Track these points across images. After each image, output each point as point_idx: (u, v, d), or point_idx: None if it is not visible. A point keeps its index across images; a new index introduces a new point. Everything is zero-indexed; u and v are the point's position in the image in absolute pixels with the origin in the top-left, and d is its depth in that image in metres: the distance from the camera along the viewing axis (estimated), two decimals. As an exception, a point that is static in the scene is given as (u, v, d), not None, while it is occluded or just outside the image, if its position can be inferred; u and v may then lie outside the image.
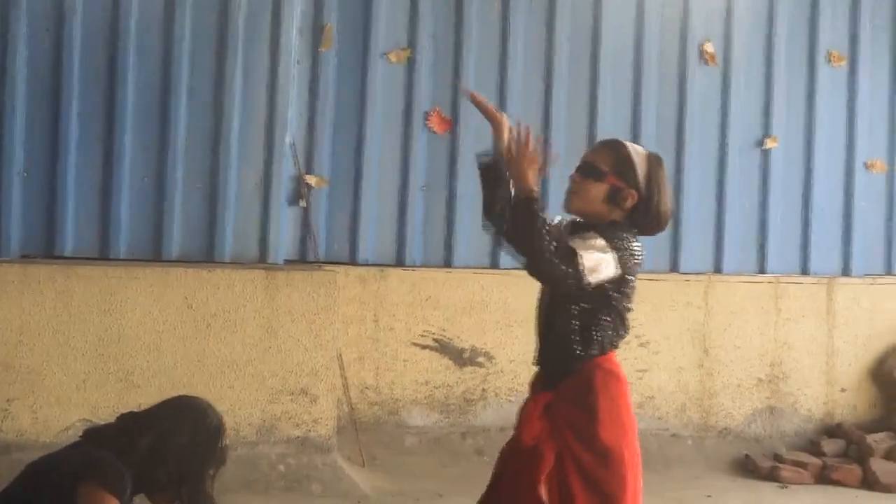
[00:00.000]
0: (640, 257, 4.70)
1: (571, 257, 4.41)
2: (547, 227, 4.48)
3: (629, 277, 4.67)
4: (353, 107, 9.05)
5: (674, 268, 9.51)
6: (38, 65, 8.43)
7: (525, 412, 4.65)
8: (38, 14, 8.45)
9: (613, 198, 4.52)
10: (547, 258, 4.36)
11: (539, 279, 4.56)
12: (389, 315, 8.91)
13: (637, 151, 4.80)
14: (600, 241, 4.53)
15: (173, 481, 4.39)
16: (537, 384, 4.57)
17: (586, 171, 4.72)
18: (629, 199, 4.54)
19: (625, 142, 4.89)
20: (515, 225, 4.58)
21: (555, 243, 4.40)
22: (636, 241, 4.70)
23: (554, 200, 8.19)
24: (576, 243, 4.43)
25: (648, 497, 8.87)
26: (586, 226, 4.59)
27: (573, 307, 4.60)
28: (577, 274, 4.39)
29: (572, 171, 5.12)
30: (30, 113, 8.39)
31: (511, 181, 4.72)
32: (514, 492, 4.64)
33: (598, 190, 4.54)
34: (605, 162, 4.72)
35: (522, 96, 9.49)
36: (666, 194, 4.85)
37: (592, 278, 4.44)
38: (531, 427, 4.48)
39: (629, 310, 4.53)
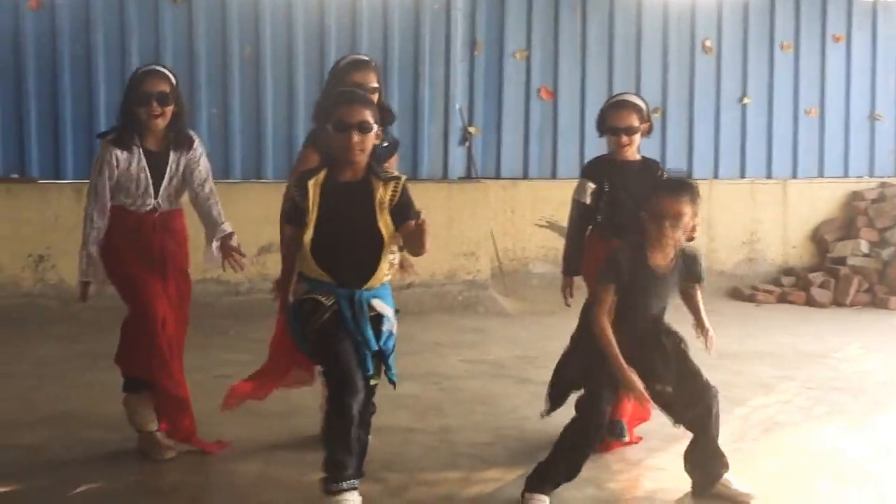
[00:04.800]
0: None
1: None
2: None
3: None
4: (494, 86, 9.99)
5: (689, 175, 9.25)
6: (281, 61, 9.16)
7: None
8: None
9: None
10: None
11: None
12: (520, 208, 9.73)
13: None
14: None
15: None
16: None
17: (632, 130, 4.87)
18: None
19: (636, 98, 5.05)
20: None
21: None
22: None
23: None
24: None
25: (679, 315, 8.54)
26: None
27: None
28: None
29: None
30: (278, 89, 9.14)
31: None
32: None
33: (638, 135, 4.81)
34: (639, 118, 4.88)
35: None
36: None
37: None
38: None
39: None
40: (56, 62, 8.91)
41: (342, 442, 3.66)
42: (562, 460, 4.13)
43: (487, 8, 10.01)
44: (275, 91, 9.38)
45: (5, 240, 8.29)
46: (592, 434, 4.12)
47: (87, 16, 8.96)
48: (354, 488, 3.68)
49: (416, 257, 4.11)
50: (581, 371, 4.18)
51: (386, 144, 4.63)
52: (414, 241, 3.77)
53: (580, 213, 4.95)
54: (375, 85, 4.68)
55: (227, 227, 4.77)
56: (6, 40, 8.81)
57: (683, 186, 4.07)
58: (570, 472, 4.15)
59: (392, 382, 4.00)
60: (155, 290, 4.63)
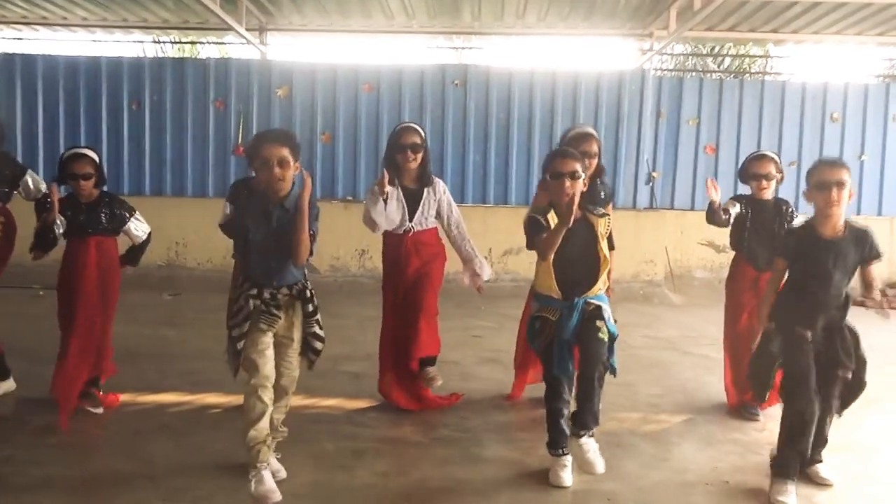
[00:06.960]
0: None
1: None
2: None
3: None
4: (672, 143, 9.64)
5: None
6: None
7: None
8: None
9: None
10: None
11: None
12: (688, 230, 9.27)
13: None
14: None
15: None
16: None
17: (770, 177, 4.41)
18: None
19: (772, 153, 4.56)
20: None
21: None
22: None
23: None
24: None
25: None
26: None
27: None
28: None
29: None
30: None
31: None
32: None
33: None
34: (775, 168, 4.40)
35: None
36: None
37: None
38: None
39: None
40: (378, 128, 9.31)
41: (556, 427, 3.61)
42: (790, 448, 3.49)
43: (669, 88, 9.77)
44: (518, 147, 9.51)
45: (342, 238, 8.68)
46: (807, 414, 3.42)
47: (399, 96, 9.45)
48: (567, 454, 3.62)
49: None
50: (781, 357, 3.55)
51: (603, 196, 4.28)
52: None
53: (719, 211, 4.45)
54: (595, 150, 4.27)
55: (479, 267, 4.46)
56: (350, 113, 9.41)
57: (839, 161, 3.48)
58: (802, 455, 3.52)
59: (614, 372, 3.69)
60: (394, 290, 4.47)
